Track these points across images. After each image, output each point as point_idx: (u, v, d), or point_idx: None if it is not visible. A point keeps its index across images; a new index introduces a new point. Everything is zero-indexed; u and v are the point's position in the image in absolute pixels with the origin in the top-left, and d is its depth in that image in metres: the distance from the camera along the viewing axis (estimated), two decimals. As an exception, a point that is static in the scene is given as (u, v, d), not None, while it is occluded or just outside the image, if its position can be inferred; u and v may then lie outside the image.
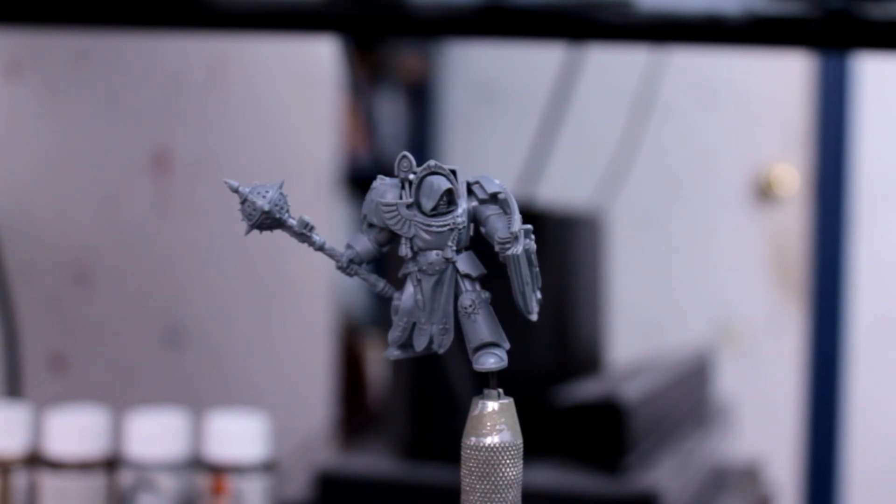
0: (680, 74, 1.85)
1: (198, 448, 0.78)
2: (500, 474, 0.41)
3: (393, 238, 0.43)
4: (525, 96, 1.90)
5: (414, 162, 0.42)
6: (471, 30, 0.90)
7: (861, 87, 1.93)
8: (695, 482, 1.04)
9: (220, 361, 1.23)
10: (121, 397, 0.91)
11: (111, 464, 0.77)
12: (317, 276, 1.42)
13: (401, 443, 1.00)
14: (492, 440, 0.41)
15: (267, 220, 0.42)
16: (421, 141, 2.13)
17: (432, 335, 0.43)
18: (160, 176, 1.13)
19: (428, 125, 2.14)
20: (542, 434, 0.96)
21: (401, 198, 0.42)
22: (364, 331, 2.01)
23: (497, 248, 0.41)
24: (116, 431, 0.78)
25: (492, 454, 0.41)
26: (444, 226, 0.42)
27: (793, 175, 2.01)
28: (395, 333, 0.43)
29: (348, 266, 0.44)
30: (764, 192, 2.03)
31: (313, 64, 1.41)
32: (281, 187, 0.43)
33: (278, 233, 0.43)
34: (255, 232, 0.43)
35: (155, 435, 0.77)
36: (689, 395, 1.22)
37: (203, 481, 0.77)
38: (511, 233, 0.40)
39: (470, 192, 0.42)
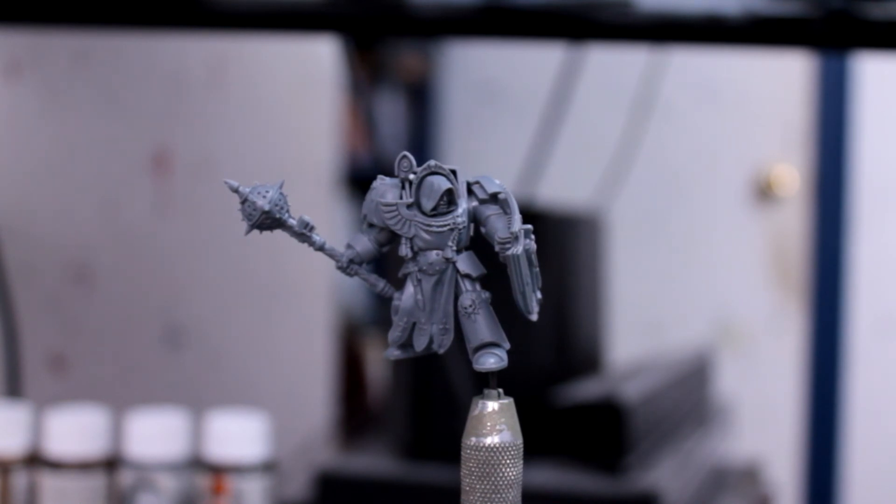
0: (680, 74, 1.85)
1: (198, 448, 0.78)
2: (500, 474, 0.41)
3: (393, 238, 0.43)
4: (525, 96, 1.90)
5: (414, 162, 0.42)
6: (471, 30, 0.90)
7: (861, 87, 1.93)
8: (695, 482, 1.04)
9: (220, 361, 1.23)
10: (121, 397, 0.91)
11: (111, 464, 0.77)
12: (317, 276, 1.42)
13: (401, 443, 1.00)
14: (492, 440, 0.41)
15: (267, 220, 0.42)
16: (421, 141, 2.13)
17: (432, 335, 0.43)
18: (160, 176, 1.13)
19: (428, 125, 2.14)
20: (542, 434, 0.96)
21: (401, 198, 0.42)
22: (364, 331, 2.01)
23: (497, 248, 0.41)
24: (116, 431, 0.78)
25: (492, 454, 0.41)
26: (445, 226, 0.42)
27: (793, 175, 2.01)
28: (395, 333, 0.43)
29: (348, 266, 0.44)
30: (764, 192, 2.03)
31: (313, 64, 1.41)
32: (281, 187, 0.43)
33: (278, 233, 0.43)
34: (255, 232, 0.43)
35: (155, 435, 0.77)
36: (689, 395, 1.22)
37: (203, 481, 0.77)
38: (511, 233, 0.40)
39: (470, 192, 0.42)
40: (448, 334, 0.43)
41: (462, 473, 0.41)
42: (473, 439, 0.41)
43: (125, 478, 0.77)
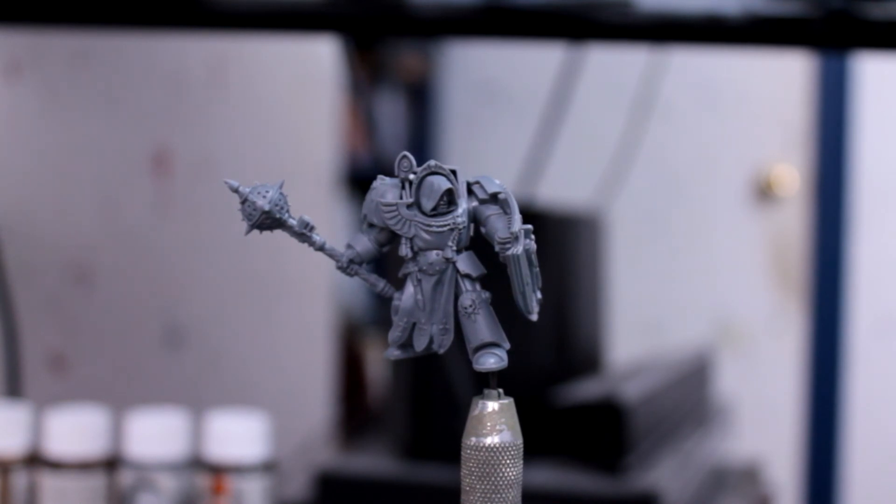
0: (680, 74, 1.85)
1: (198, 448, 0.78)
2: (500, 474, 0.41)
3: (393, 238, 0.43)
4: (525, 96, 1.90)
5: (414, 162, 0.42)
6: (471, 30, 0.90)
7: (861, 87, 1.93)
8: (695, 482, 1.04)
9: (220, 361, 1.23)
10: (121, 397, 0.91)
11: (111, 464, 0.77)
12: (317, 276, 1.42)
13: (401, 443, 1.00)
14: (492, 440, 0.41)
15: (267, 220, 0.42)
16: (421, 141, 2.13)
17: (432, 335, 0.43)
18: (160, 176, 1.13)
19: (428, 125, 2.14)
20: (542, 434, 0.96)
21: (401, 198, 0.42)
22: (364, 331, 2.01)
23: (497, 248, 0.41)
24: (116, 431, 0.78)
25: (492, 454, 0.41)
26: (445, 226, 0.42)
27: (793, 175, 2.01)
28: (395, 333, 0.43)
29: (348, 266, 0.44)
30: (764, 192, 2.03)
31: (313, 64, 1.41)
32: (281, 187, 0.43)
33: (278, 233, 0.43)
34: (255, 232, 0.43)
35: (155, 435, 0.77)
36: (689, 395, 1.22)
37: (203, 481, 0.77)
38: (511, 233, 0.40)
39: (470, 192, 0.42)
40: (448, 334, 0.43)
41: (462, 473, 0.41)
42: (473, 439, 0.41)
43: (125, 478, 0.77)
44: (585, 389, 1.01)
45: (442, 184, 0.41)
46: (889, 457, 1.92)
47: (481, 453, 0.41)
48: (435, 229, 0.42)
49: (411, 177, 0.42)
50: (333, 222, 1.63)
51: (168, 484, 0.76)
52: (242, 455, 0.77)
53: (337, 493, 0.96)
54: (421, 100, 2.15)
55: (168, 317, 1.15)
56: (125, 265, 1.10)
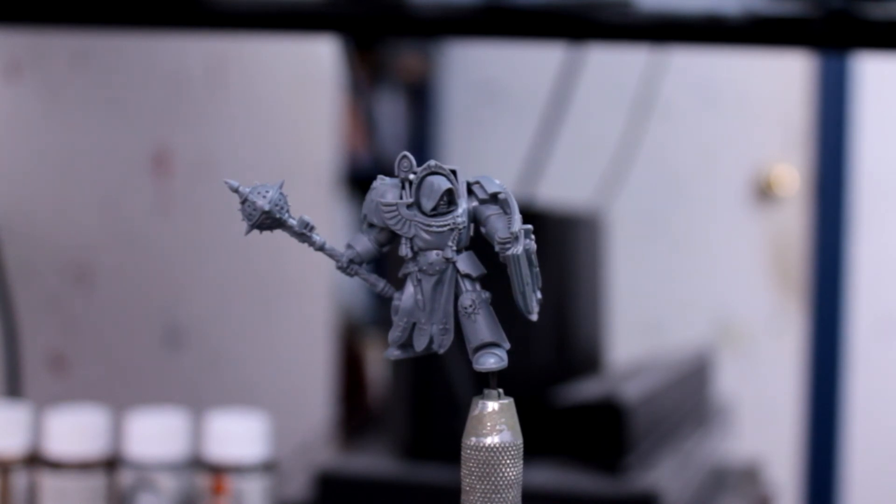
0: (680, 74, 1.85)
1: (198, 448, 0.78)
2: (501, 474, 0.41)
3: (393, 238, 0.43)
4: (525, 96, 1.90)
5: (414, 162, 0.42)
6: (471, 30, 0.90)
7: (861, 87, 1.93)
8: (695, 482, 1.04)
9: (220, 361, 1.23)
10: (121, 397, 0.91)
11: (111, 464, 0.77)
12: (317, 276, 1.42)
13: (401, 443, 1.00)
14: (492, 440, 0.41)
15: (267, 220, 0.42)
16: (421, 141, 2.13)
17: (432, 335, 0.43)
18: (160, 176, 1.13)
19: (428, 125, 2.14)
20: (542, 434, 0.96)
21: (401, 198, 0.42)
22: (364, 331, 2.01)
23: (497, 248, 0.41)
24: (116, 431, 0.78)
25: (492, 454, 0.41)
26: (445, 226, 0.42)
27: (793, 175, 2.01)
28: (395, 333, 0.43)
29: (348, 266, 0.44)
30: (764, 192, 2.03)
31: (313, 64, 1.41)
32: (281, 187, 0.43)
33: (278, 233, 0.43)
34: (255, 232, 0.43)
35: (155, 435, 0.77)
36: (689, 395, 1.22)
37: (203, 481, 0.77)
38: (511, 233, 0.40)
39: (470, 192, 0.42)
40: (448, 334, 0.43)
41: (462, 473, 0.41)
42: (473, 439, 0.41)
43: (125, 478, 0.77)
44: (585, 389, 1.01)
45: (442, 184, 0.41)
46: (889, 457, 1.92)
47: (481, 453, 0.41)
48: (435, 229, 0.42)
49: (411, 177, 0.42)
50: (333, 222, 1.63)
51: (168, 484, 0.76)
52: (242, 455, 0.77)
53: (337, 493, 0.96)
54: (421, 100, 2.15)
55: (168, 317, 1.15)
56: (125, 265, 1.10)
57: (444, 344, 0.43)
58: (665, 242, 2.04)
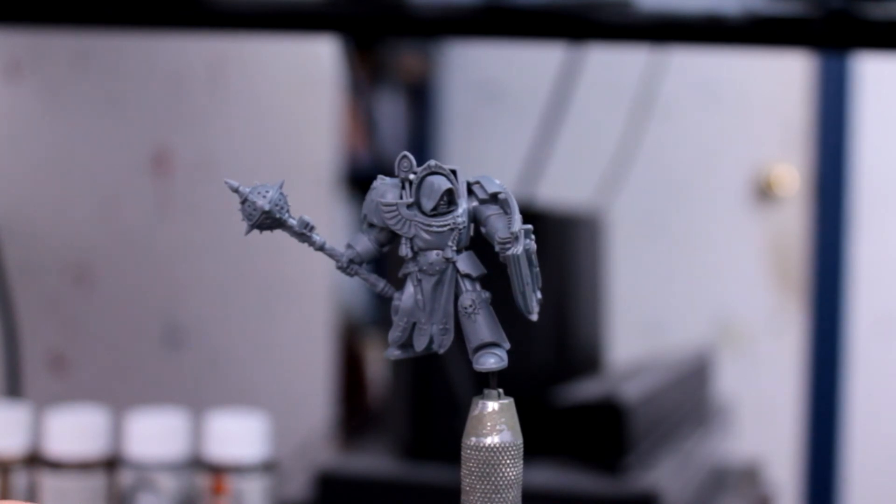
0: (680, 74, 1.84)
1: (198, 448, 0.78)
2: (501, 474, 0.41)
3: (393, 238, 0.43)
4: (525, 96, 1.90)
5: (414, 162, 0.42)
6: (471, 30, 0.90)
7: (861, 87, 1.93)
8: (695, 482, 1.04)
9: (220, 361, 1.23)
10: (121, 397, 0.91)
11: (111, 464, 0.77)
12: (317, 276, 1.42)
13: (401, 443, 1.00)
14: (492, 440, 0.41)
15: (267, 220, 0.42)
16: (421, 141, 2.13)
17: (432, 335, 0.43)
18: (160, 176, 1.13)
19: (428, 125, 2.14)
20: (542, 434, 0.96)
21: (401, 198, 0.42)
22: (364, 331, 2.01)
23: (497, 248, 0.41)
24: (116, 431, 0.78)
25: (492, 454, 0.41)
26: (445, 226, 0.42)
27: (793, 175, 2.01)
28: (395, 333, 0.43)
29: (348, 266, 0.44)
30: (764, 192, 2.03)
31: (313, 64, 1.41)
32: (281, 187, 0.43)
33: (278, 233, 0.43)
34: (255, 232, 0.43)
35: (155, 435, 0.77)
36: (689, 395, 1.22)
37: (203, 481, 0.77)
38: (511, 233, 0.40)
39: (470, 192, 0.42)
40: (448, 334, 0.43)
41: (462, 473, 0.41)
42: (473, 439, 0.41)
43: (125, 478, 0.77)
44: (585, 389, 1.01)
45: (442, 184, 0.41)
46: (889, 457, 1.92)
47: (481, 453, 0.41)
48: (435, 229, 0.42)
49: (411, 177, 0.42)
50: (333, 222, 1.63)
51: (168, 484, 0.76)
52: (242, 455, 0.77)
53: (337, 493, 0.96)
54: (421, 100, 2.15)
55: (168, 317, 1.15)
56: (125, 265, 1.10)
57: (444, 344, 0.43)
58: (665, 242, 2.04)
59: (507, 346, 0.42)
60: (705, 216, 2.05)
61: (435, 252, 0.42)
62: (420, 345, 0.43)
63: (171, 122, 1.16)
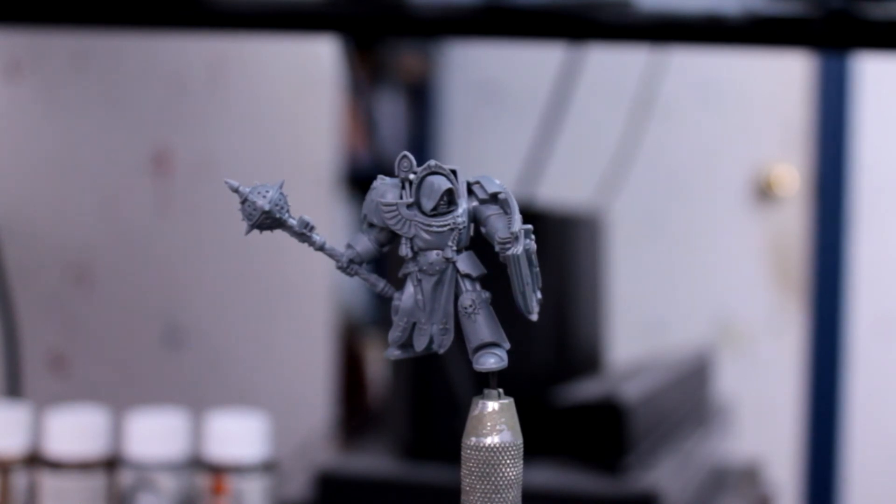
0: (680, 74, 1.84)
1: (198, 448, 0.78)
2: (501, 474, 0.41)
3: (393, 238, 0.43)
4: (525, 96, 1.90)
5: (414, 162, 0.42)
6: (471, 30, 0.90)
7: (861, 87, 1.93)
8: (695, 482, 1.04)
9: (220, 361, 1.23)
10: (121, 397, 0.91)
11: (111, 464, 0.77)
12: (317, 276, 1.42)
13: (401, 443, 1.00)
14: (492, 440, 0.41)
15: (267, 220, 0.42)
16: (421, 141, 2.13)
17: (432, 335, 0.43)
18: (160, 176, 1.13)
19: (428, 125, 2.14)
20: (542, 434, 0.96)
21: (401, 198, 0.42)
22: (364, 331, 2.01)
23: (497, 248, 0.41)
24: (116, 431, 0.78)
25: (492, 454, 0.41)
26: (445, 226, 0.42)
27: (793, 175, 2.01)
28: (395, 333, 0.43)
29: (348, 266, 0.44)
30: (764, 192, 2.03)
31: (313, 64, 1.41)
32: (281, 187, 0.43)
33: (278, 233, 0.43)
34: (255, 232, 0.43)
35: (155, 435, 0.77)
36: (689, 395, 1.22)
37: (203, 481, 0.77)
38: (511, 233, 0.40)
39: (470, 192, 0.42)
40: (448, 334, 0.43)
41: (462, 473, 0.41)
42: (473, 439, 0.41)
43: (125, 478, 0.77)
44: (585, 389, 1.01)
45: (442, 184, 0.41)
46: (889, 457, 1.92)
47: (481, 453, 0.41)
48: (435, 229, 0.42)
49: (411, 177, 0.42)
50: (333, 222, 1.63)
51: (168, 484, 0.76)
52: (242, 455, 0.77)
53: (337, 493, 0.96)
54: (421, 100, 2.15)
55: (168, 317, 1.15)
56: (125, 265, 1.10)
57: (444, 344, 0.43)
58: (665, 242, 2.04)
59: (507, 346, 0.42)
60: (705, 216, 2.05)
61: (435, 252, 0.42)
62: (420, 345, 0.43)
63: (171, 122, 1.16)
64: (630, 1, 0.83)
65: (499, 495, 0.41)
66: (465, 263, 0.42)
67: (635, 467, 0.95)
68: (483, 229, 0.42)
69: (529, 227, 0.41)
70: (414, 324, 0.43)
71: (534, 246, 0.41)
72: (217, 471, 0.77)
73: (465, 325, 0.42)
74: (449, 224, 0.42)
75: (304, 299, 1.40)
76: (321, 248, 0.43)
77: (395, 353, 0.44)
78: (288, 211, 0.42)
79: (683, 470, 1.01)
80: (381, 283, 0.44)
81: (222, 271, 1.23)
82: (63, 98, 1.02)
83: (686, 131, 2.03)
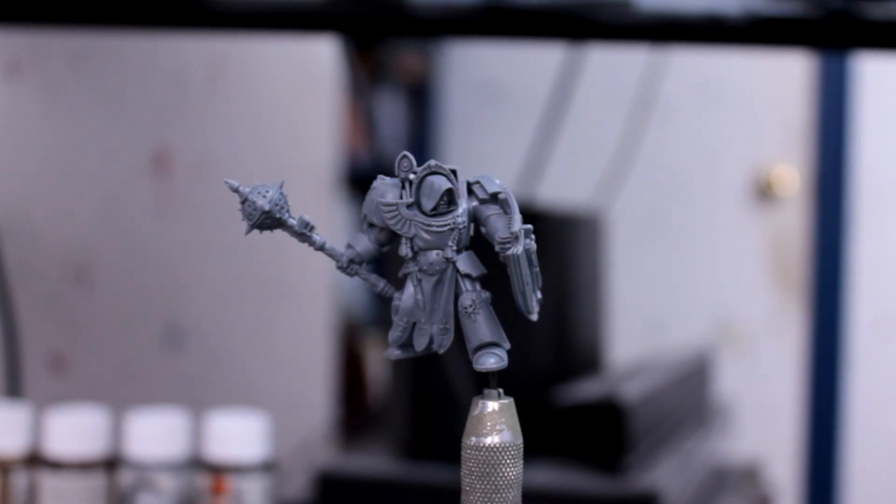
0: (680, 74, 1.84)
1: (198, 448, 0.78)
2: (501, 474, 0.41)
3: (393, 238, 0.43)
4: (525, 96, 1.90)
5: (414, 162, 0.42)
6: (471, 30, 0.90)
7: (861, 87, 1.93)
8: (695, 482, 1.04)
9: (220, 361, 1.23)
10: (121, 397, 0.91)
11: (111, 464, 0.77)
12: (317, 276, 1.42)
13: (401, 443, 1.00)
14: (492, 440, 0.41)
15: (267, 220, 0.42)
16: (421, 141, 2.13)
17: (432, 335, 0.43)
18: (160, 176, 1.13)
19: (428, 125, 2.14)
20: (542, 434, 0.96)
21: (401, 197, 0.42)
22: (364, 331, 2.01)
23: (497, 248, 0.41)
24: (116, 431, 0.78)
25: (492, 454, 0.41)
26: (445, 226, 0.42)
27: (793, 175, 2.01)
28: (395, 333, 0.43)
29: (348, 266, 0.44)
30: (764, 192, 2.03)
31: (313, 64, 1.41)
32: (281, 187, 0.43)
33: (278, 233, 0.43)
34: (255, 232, 0.43)
35: (155, 435, 0.77)
36: (689, 395, 1.22)
37: (203, 481, 0.77)
38: (511, 233, 0.40)
39: (470, 192, 0.42)
40: (448, 334, 0.43)
41: (462, 473, 0.41)
42: (473, 439, 0.41)
43: (125, 478, 0.77)
44: (585, 389, 1.01)
45: (442, 184, 0.41)
46: (889, 457, 1.92)
47: (481, 453, 0.41)
48: (435, 229, 0.42)
49: (411, 177, 0.42)
50: (333, 222, 1.63)
51: (168, 484, 0.76)
52: (242, 455, 0.77)
53: (337, 493, 0.96)
54: (421, 100, 2.15)
55: (168, 317, 1.15)
56: (125, 265, 1.10)
57: (444, 344, 0.43)
58: (665, 242, 2.04)
59: (507, 346, 0.42)
60: (705, 216, 2.05)
61: (435, 252, 0.42)
62: (420, 345, 0.43)
63: (171, 122, 1.16)
64: (630, 1, 0.83)
65: (499, 495, 0.41)
66: (465, 263, 0.42)
67: (635, 467, 0.95)
68: (483, 229, 0.42)
69: (529, 226, 0.41)
70: (414, 324, 0.43)
71: (534, 246, 0.41)
72: (217, 471, 0.77)
73: (465, 325, 0.42)
74: (449, 224, 0.42)
75: (304, 299, 1.40)
76: (321, 248, 0.43)
77: (395, 353, 0.44)
78: (288, 211, 0.42)
79: (683, 470, 1.01)
80: (381, 283, 0.44)
81: (222, 271, 1.23)
82: (63, 98, 1.02)
83: (686, 131, 2.03)
